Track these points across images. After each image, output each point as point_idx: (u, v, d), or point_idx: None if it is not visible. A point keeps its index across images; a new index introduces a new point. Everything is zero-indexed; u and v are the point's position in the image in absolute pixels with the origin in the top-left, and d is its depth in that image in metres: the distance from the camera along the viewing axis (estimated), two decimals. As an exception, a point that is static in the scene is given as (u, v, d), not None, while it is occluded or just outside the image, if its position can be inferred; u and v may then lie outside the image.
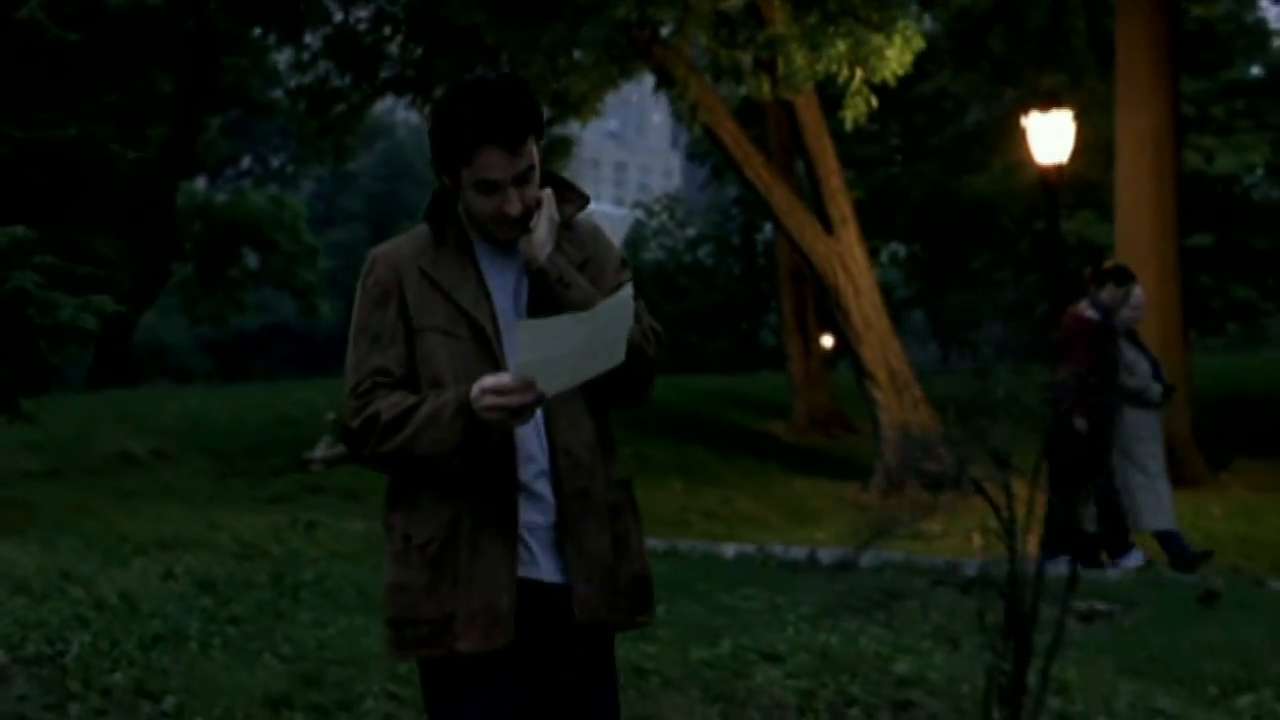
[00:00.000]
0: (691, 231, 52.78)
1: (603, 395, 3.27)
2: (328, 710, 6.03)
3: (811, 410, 23.05)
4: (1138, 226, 17.81)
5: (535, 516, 3.20)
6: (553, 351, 2.97)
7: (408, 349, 3.23)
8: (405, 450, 3.11)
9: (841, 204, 17.51)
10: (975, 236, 41.67)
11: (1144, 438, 11.13)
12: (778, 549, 11.21)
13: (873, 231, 48.31)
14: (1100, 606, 8.05)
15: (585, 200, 3.41)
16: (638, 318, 3.23)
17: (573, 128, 19.65)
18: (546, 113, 18.04)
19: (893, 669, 6.50)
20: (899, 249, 55.82)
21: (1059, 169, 14.32)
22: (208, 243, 41.78)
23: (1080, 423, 10.46)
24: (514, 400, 2.99)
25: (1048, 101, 14.49)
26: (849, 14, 14.55)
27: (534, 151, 3.18)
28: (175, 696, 6.11)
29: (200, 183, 55.36)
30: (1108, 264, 12.13)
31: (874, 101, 15.32)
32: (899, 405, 16.87)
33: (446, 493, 3.16)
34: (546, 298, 3.19)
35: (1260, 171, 38.71)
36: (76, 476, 17.22)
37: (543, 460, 3.20)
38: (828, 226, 17.35)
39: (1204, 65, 35.56)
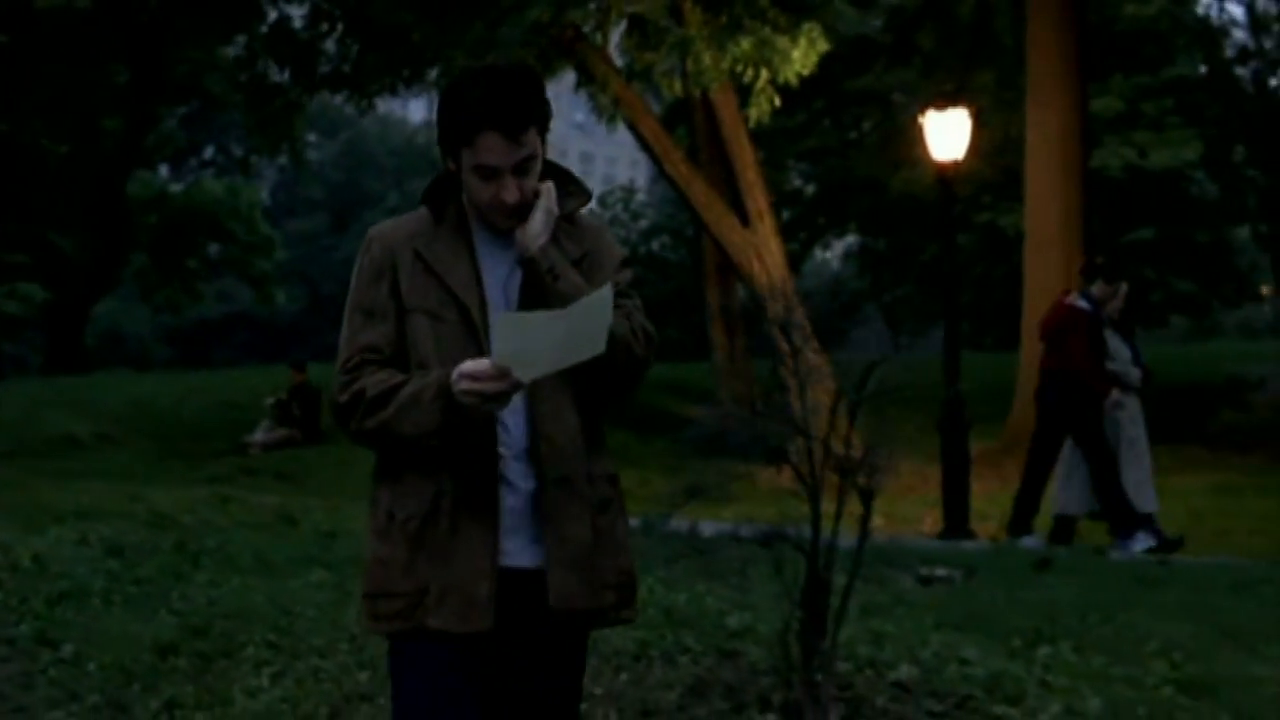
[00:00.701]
0: (645, 223, 53.37)
1: (588, 389, 3.29)
2: (210, 657, 6.67)
3: (734, 396, 23.69)
4: (1046, 219, 18.57)
5: (517, 502, 3.22)
6: (529, 345, 3.00)
7: (398, 327, 3.27)
8: (388, 428, 3.15)
9: (758, 197, 18.21)
10: (925, 229, 42.47)
11: (1126, 422, 11.67)
12: (668, 523, 11.83)
13: (828, 224, 49.34)
14: (941, 572, 8.76)
15: (588, 195, 3.41)
16: (629, 316, 3.26)
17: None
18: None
19: (726, 623, 7.14)
20: (851, 242, 56.78)
21: (956, 165, 14.98)
22: (164, 232, 42.19)
23: (1110, 402, 11.19)
24: (488, 387, 3.02)
25: (945, 100, 15.14)
26: (756, 17, 15.20)
27: (537, 143, 3.19)
28: (73, 645, 6.76)
29: (163, 172, 55.82)
30: (1098, 259, 12.67)
31: (777, 100, 16.00)
32: (812, 390, 17.52)
33: (430, 470, 3.18)
34: (535, 288, 3.23)
35: (1199, 169, 39.58)
36: (20, 459, 17.76)
37: (526, 447, 3.23)
38: (744, 219, 18.04)
39: (1147, 62, 36.39)
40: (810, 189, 46.95)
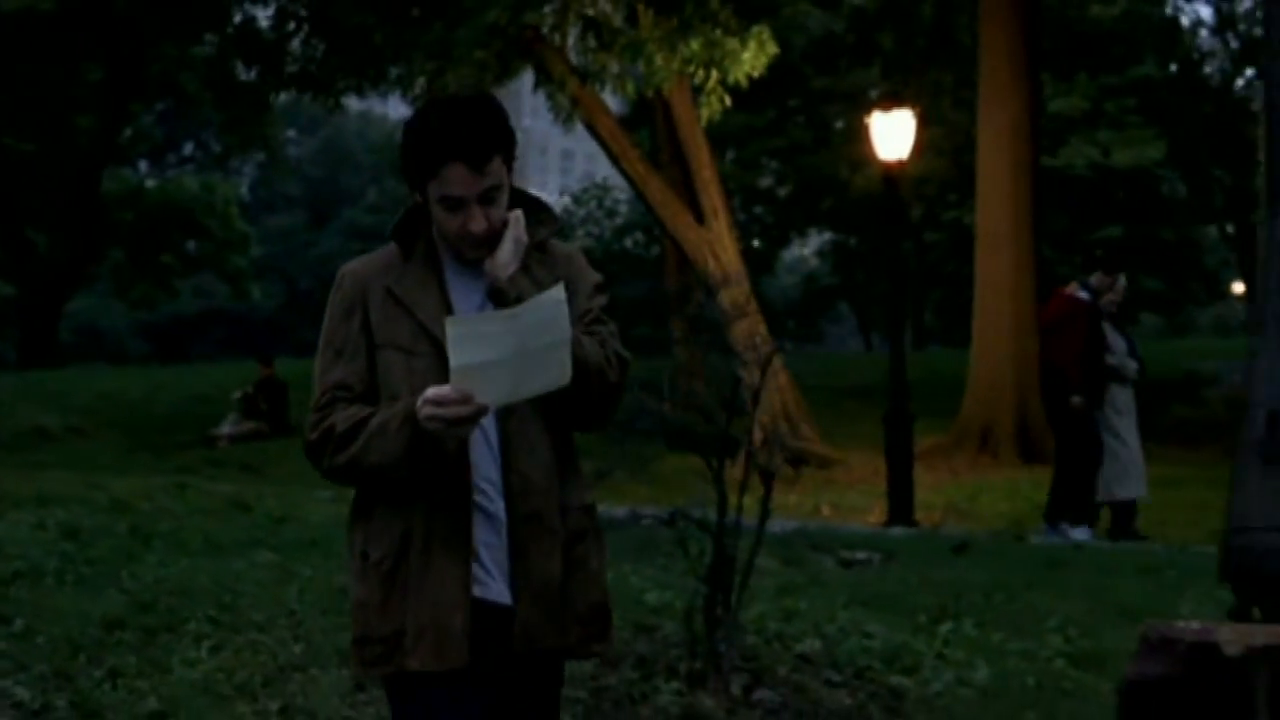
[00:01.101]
0: (619, 220, 53.74)
1: (562, 418, 3.27)
2: (154, 631, 7.03)
3: (690, 391, 24.07)
4: (996, 216, 19.00)
5: (490, 537, 3.20)
6: (487, 354, 2.98)
7: (369, 364, 3.25)
8: (357, 461, 3.14)
9: (713, 195, 18.65)
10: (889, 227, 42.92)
11: (1122, 412, 11.98)
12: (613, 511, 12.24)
13: (802, 221, 49.81)
14: (861, 556, 9.18)
15: (558, 223, 3.41)
16: (603, 342, 3.24)
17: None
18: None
19: (645, 599, 7.55)
20: (826, 239, 57.23)
21: (901, 165, 15.40)
22: (140, 229, 42.50)
23: (1077, 400, 11.54)
24: (451, 412, 2.99)
25: (889, 101, 15.56)
26: (707, 19, 15.60)
27: (502, 171, 3.17)
28: (24, 620, 7.11)
29: (143, 167, 56.02)
30: (1098, 252, 12.96)
31: (727, 100, 16.42)
32: (766, 387, 17.94)
33: (399, 507, 3.17)
34: None
35: (1166, 168, 40.06)
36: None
37: (498, 481, 3.21)
38: (699, 217, 18.47)
39: (1114, 62, 36.85)
40: (785, 187, 47.34)
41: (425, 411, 3.01)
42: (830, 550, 9.25)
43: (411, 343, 3.21)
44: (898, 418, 14.71)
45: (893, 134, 15.14)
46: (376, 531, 3.19)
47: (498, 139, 3.15)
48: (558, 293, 3.04)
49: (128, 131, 41.11)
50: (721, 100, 16.49)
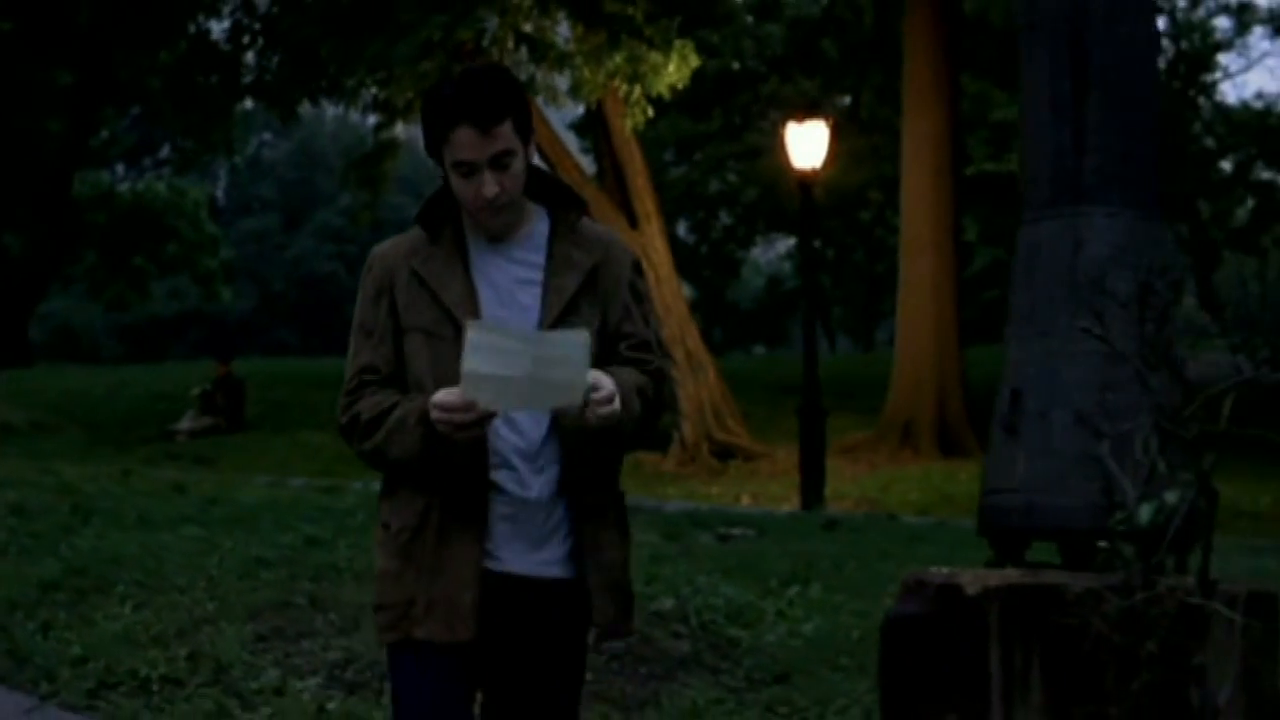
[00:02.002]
0: (587, 224, 54.46)
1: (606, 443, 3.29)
2: (85, 592, 7.91)
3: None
4: (918, 221, 19.90)
5: (511, 511, 3.24)
6: (499, 368, 2.98)
7: (396, 347, 3.29)
8: (381, 451, 3.22)
9: (646, 201, 19.57)
10: (852, 229, 43.91)
11: None
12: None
13: (770, 224, 50.66)
14: (737, 532, 10.05)
15: (584, 206, 3.41)
16: (641, 378, 3.28)
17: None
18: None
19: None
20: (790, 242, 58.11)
21: (815, 173, 16.25)
22: (112, 231, 43.13)
23: None
24: (456, 418, 3.04)
25: (804, 112, 16.42)
26: (634, 34, 16.46)
27: (512, 138, 3.17)
28: (-31, 584, 8.00)
29: (119, 170, 56.60)
30: None
31: (650, 111, 17.31)
32: (694, 382, 18.91)
33: (421, 484, 3.23)
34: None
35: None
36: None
37: (537, 459, 3.25)
38: (633, 221, 19.37)
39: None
40: (752, 189, 48.12)
41: (433, 415, 3.07)
42: (711, 527, 10.11)
43: (436, 325, 3.24)
44: (810, 412, 15.56)
45: (807, 144, 16.00)
46: (399, 506, 3.27)
47: (507, 104, 3.17)
48: (582, 336, 3.03)
49: (103, 134, 41.80)
50: (645, 111, 17.37)
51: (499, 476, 3.23)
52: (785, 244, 62.15)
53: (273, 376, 25.98)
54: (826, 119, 16.15)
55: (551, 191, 3.40)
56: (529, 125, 3.24)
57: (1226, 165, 47.17)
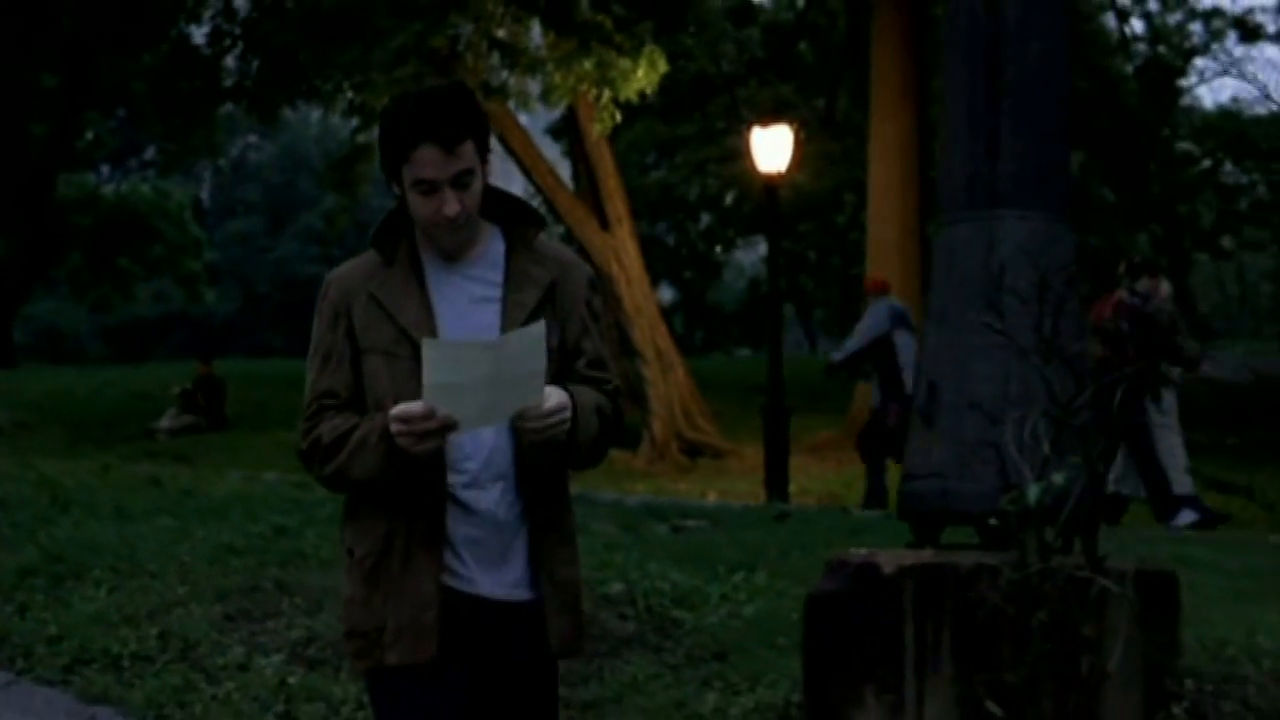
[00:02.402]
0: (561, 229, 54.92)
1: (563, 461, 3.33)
2: (62, 577, 8.28)
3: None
4: (886, 227, 20.30)
5: (475, 531, 3.25)
6: (460, 377, 3.00)
7: (354, 371, 3.29)
8: (343, 473, 3.21)
9: (617, 204, 19.98)
10: (830, 232, 44.29)
11: (1166, 413, 12.38)
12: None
13: (750, 228, 51.03)
14: (691, 523, 10.42)
15: (542, 223, 3.43)
16: (600, 396, 3.32)
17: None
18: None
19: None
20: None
21: (779, 177, 16.66)
22: (96, 233, 43.45)
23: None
24: (418, 428, 3.04)
25: (769, 117, 16.83)
26: (603, 41, 16.86)
27: (474, 157, 3.19)
28: (-49, 571, 8.37)
29: (104, 171, 56.84)
30: (1136, 259, 13.63)
31: (618, 116, 17.71)
32: (665, 382, 19.31)
33: (382, 507, 3.23)
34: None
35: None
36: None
37: (506, 477, 3.27)
38: (604, 223, 19.78)
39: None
40: (731, 192, 48.44)
41: (394, 429, 3.06)
42: (667, 519, 10.48)
43: (394, 346, 3.24)
44: (775, 410, 15.95)
45: (772, 148, 16.40)
46: (362, 530, 3.27)
47: (469, 123, 3.18)
48: (538, 329, 3.07)
49: (88, 136, 42.07)
50: (613, 116, 17.78)
51: (460, 494, 3.24)
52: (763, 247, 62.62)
53: (253, 377, 26.32)
54: (791, 123, 16.54)
55: (507, 209, 3.40)
56: (487, 145, 3.27)
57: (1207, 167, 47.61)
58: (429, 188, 3.16)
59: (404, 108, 3.20)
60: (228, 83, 22.13)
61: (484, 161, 3.25)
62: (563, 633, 3.32)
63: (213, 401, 21.80)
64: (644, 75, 17.19)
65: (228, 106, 23.27)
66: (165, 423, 21.40)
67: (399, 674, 3.24)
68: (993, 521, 5.19)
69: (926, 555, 5.86)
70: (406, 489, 3.19)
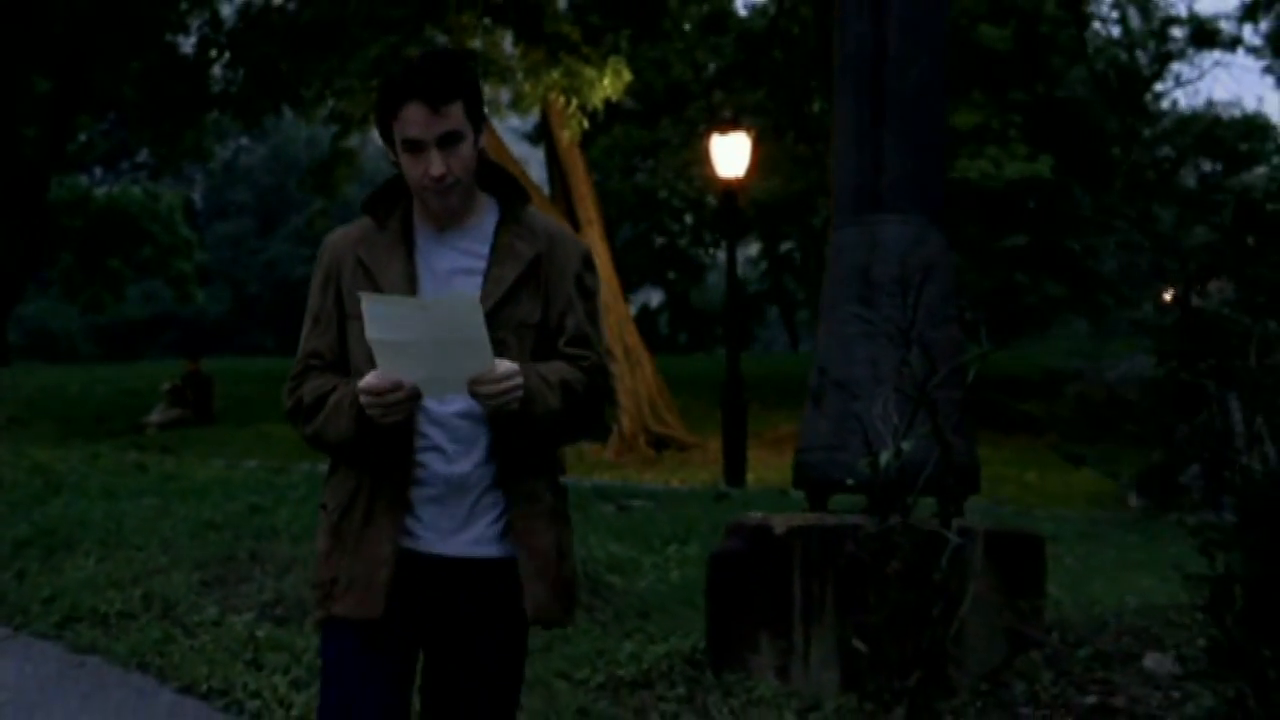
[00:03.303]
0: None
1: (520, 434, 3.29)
2: (54, 548, 9.08)
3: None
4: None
5: (435, 493, 3.28)
6: (399, 334, 3.02)
7: (340, 334, 3.34)
8: (320, 434, 3.27)
9: (588, 207, 20.82)
10: (808, 235, 45.02)
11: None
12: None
13: (735, 230, 51.79)
14: (637, 502, 11.24)
15: (528, 197, 3.43)
16: (574, 372, 3.29)
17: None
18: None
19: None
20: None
21: (738, 182, 17.50)
22: (87, 235, 44.12)
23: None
24: (386, 400, 3.07)
25: (726, 125, 17.67)
26: (571, 52, 17.71)
27: (462, 119, 3.17)
28: (-49, 545, 9.20)
29: (98, 173, 57.47)
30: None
31: (585, 124, 18.56)
32: (632, 376, 20.14)
33: (354, 465, 3.30)
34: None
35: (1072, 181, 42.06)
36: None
37: (478, 445, 3.27)
38: (575, 225, 20.61)
39: (1017, 80, 38.87)
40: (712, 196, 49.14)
41: (362, 400, 3.10)
42: (614, 500, 11.30)
43: None
44: (732, 404, 16.77)
45: (731, 154, 17.23)
46: (335, 487, 3.35)
47: (458, 85, 3.17)
48: (470, 298, 3.09)
49: (80, 138, 42.76)
50: (581, 123, 18.61)
51: (426, 458, 3.26)
52: (754, 248, 63.31)
53: (241, 374, 27.12)
54: (749, 130, 17.37)
55: (500, 182, 3.40)
56: (480, 112, 3.26)
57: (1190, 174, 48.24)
58: (415, 146, 3.16)
59: (397, 70, 3.22)
60: (215, 90, 22.94)
61: (477, 129, 3.24)
62: (537, 599, 3.30)
63: (200, 397, 22.61)
64: (609, 84, 18.01)
65: (212, 113, 24.02)
66: (155, 417, 22.19)
67: (345, 627, 3.28)
68: (850, 481, 6.04)
69: (812, 518, 6.71)
70: (376, 452, 3.22)
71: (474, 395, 3.11)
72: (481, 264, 3.31)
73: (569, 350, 3.33)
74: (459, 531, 3.28)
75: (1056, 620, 7.11)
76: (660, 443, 20.44)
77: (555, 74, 17.70)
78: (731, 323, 18.05)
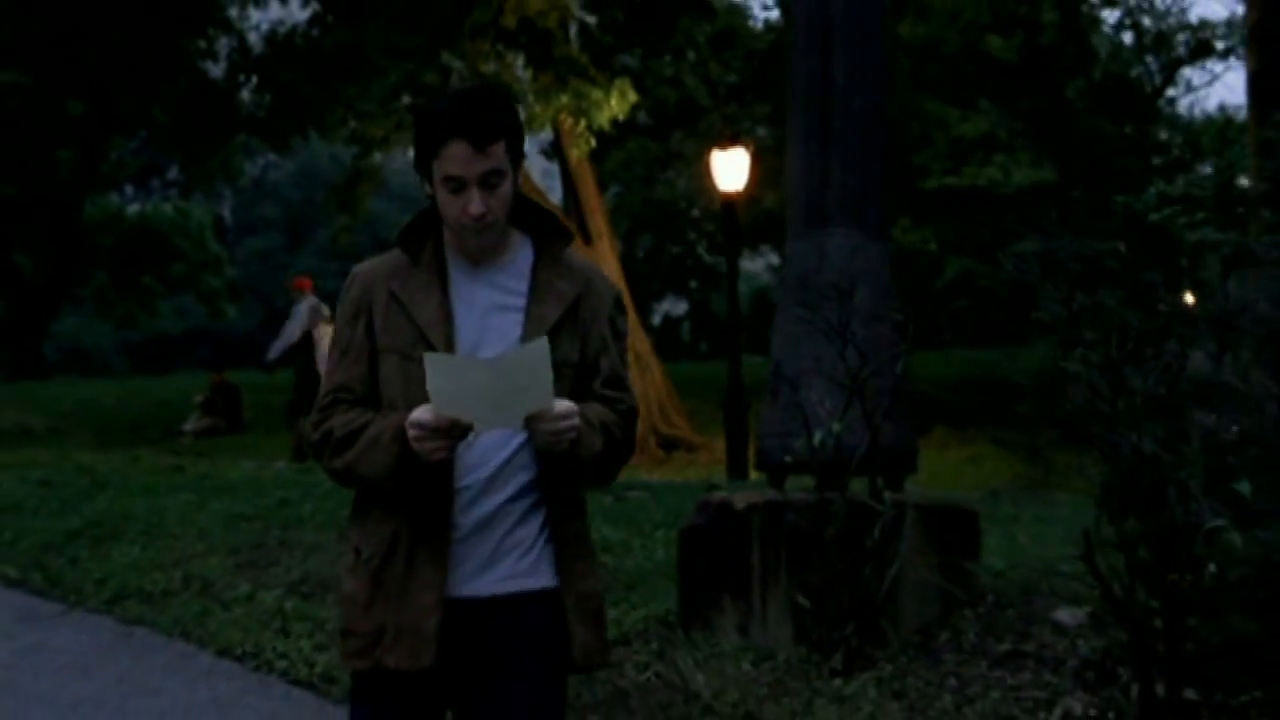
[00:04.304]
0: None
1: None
2: (102, 538, 10.06)
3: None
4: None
5: (470, 535, 3.21)
6: (463, 389, 2.97)
7: (370, 368, 3.25)
8: (351, 468, 3.16)
9: (598, 220, 21.83)
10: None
11: None
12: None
13: (754, 239, 52.61)
14: (633, 494, 12.11)
15: (570, 237, 3.38)
16: (611, 416, 3.26)
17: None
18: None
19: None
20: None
21: (738, 195, 18.43)
22: (120, 252, 45.21)
23: None
24: (435, 437, 3.01)
25: (726, 141, 18.60)
26: (579, 75, 18.69)
27: (504, 159, 3.12)
28: (11, 532, 10.25)
29: (129, 191, 58.58)
30: None
31: (593, 142, 19.53)
32: (642, 380, 21.09)
33: (390, 508, 3.19)
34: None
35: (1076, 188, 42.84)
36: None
37: (489, 481, 3.20)
38: (586, 238, 21.59)
39: (1026, 89, 39.77)
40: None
41: (411, 434, 3.01)
42: (614, 492, 12.16)
43: (410, 348, 3.17)
44: (733, 405, 17.67)
45: (730, 169, 18.15)
46: (369, 531, 3.23)
47: (502, 125, 3.12)
48: (541, 346, 2.96)
49: (112, 157, 43.85)
50: (588, 142, 19.58)
51: (463, 499, 3.18)
52: (774, 256, 64.12)
53: (268, 385, 28.14)
54: (747, 146, 18.30)
55: (537, 220, 3.35)
56: (520, 151, 3.20)
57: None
58: (457, 185, 3.11)
59: (439, 104, 3.14)
60: (243, 113, 24.02)
61: (516, 167, 3.18)
62: (586, 645, 3.26)
63: (230, 406, 23.68)
64: (615, 105, 18.96)
65: (241, 136, 25.06)
66: (189, 426, 23.27)
67: (389, 678, 3.21)
68: (789, 459, 6.98)
69: (769, 494, 7.62)
70: (413, 491, 3.15)
71: (532, 431, 3.06)
72: (519, 301, 3.25)
73: (605, 392, 3.30)
74: (487, 570, 3.21)
75: (991, 584, 7.98)
76: (669, 444, 21.37)
77: (564, 97, 18.64)
78: (733, 330, 18.96)
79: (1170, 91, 50.23)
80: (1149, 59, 49.46)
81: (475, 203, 3.10)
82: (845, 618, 6.76)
